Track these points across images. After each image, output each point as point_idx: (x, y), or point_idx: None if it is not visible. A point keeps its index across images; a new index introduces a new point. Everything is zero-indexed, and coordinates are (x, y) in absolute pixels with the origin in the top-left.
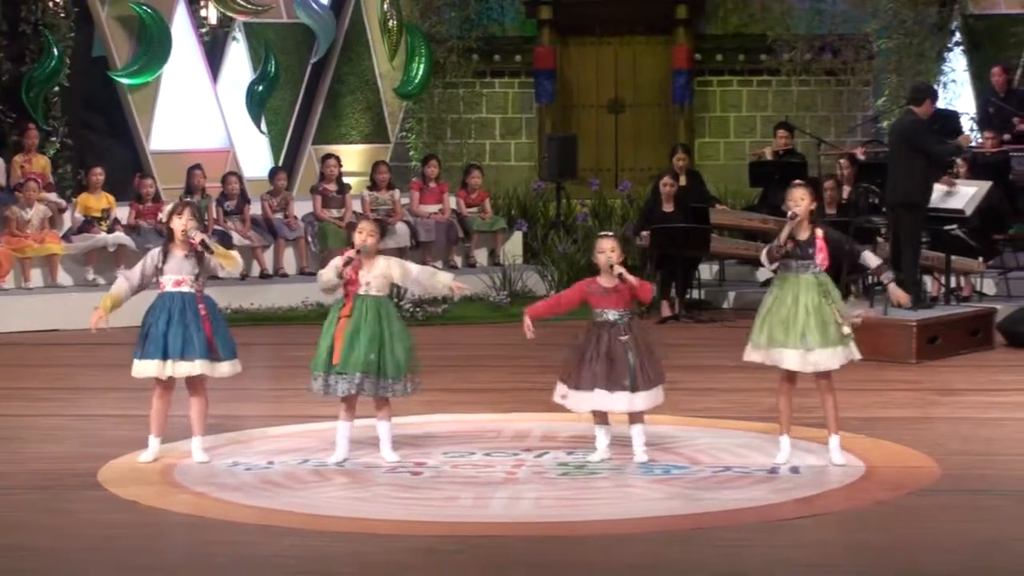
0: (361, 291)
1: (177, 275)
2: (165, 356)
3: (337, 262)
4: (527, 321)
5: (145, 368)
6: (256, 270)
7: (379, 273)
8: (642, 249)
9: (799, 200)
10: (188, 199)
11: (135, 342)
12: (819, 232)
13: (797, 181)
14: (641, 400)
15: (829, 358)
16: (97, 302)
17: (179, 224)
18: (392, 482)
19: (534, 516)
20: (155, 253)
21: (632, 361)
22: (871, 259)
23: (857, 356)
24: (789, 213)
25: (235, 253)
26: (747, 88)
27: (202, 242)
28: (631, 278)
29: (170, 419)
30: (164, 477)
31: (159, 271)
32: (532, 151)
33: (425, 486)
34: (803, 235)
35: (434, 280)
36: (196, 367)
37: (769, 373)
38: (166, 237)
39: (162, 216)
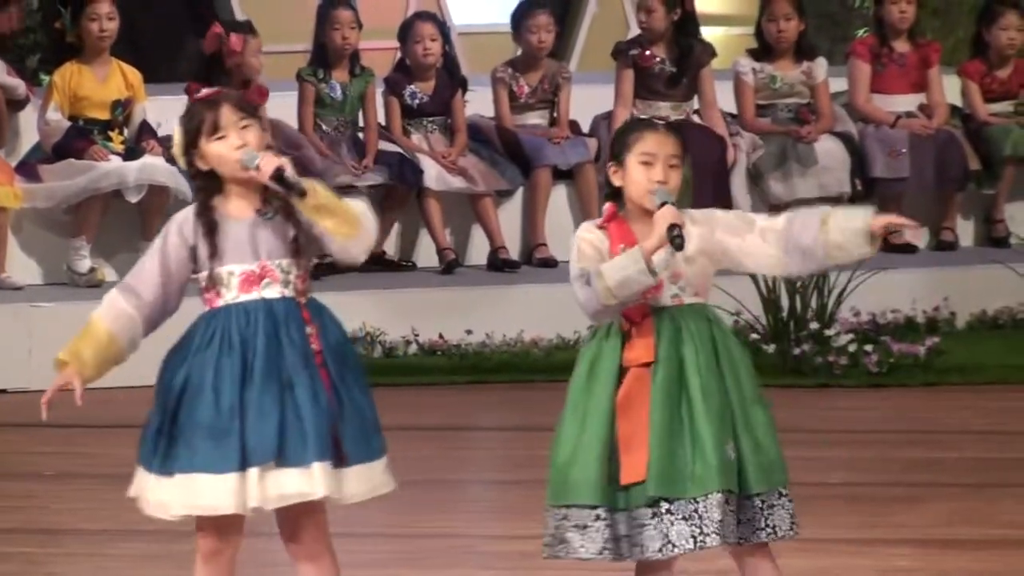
0: (666, 298)
1: (247, 263)
2: (243, 462)
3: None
4: None
5: (185, 494)
6: (477, 248)
7: (693, 250)
8: None
9: None
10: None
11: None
12: None
13: None
14: None
15: None
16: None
17: (225, 148)
18: None
19: None
20: (181, 221)
21: None
22: None
23: None
24: None
25: (359, 205)
26: None
27: (277, 173)
28: None
29: None
30: None
31: (200, 261)
32: None
33: None
34: None
35: (846, 231)
36: (314, 482)
37: None
38: (199, 182)
39: (173, 143)
